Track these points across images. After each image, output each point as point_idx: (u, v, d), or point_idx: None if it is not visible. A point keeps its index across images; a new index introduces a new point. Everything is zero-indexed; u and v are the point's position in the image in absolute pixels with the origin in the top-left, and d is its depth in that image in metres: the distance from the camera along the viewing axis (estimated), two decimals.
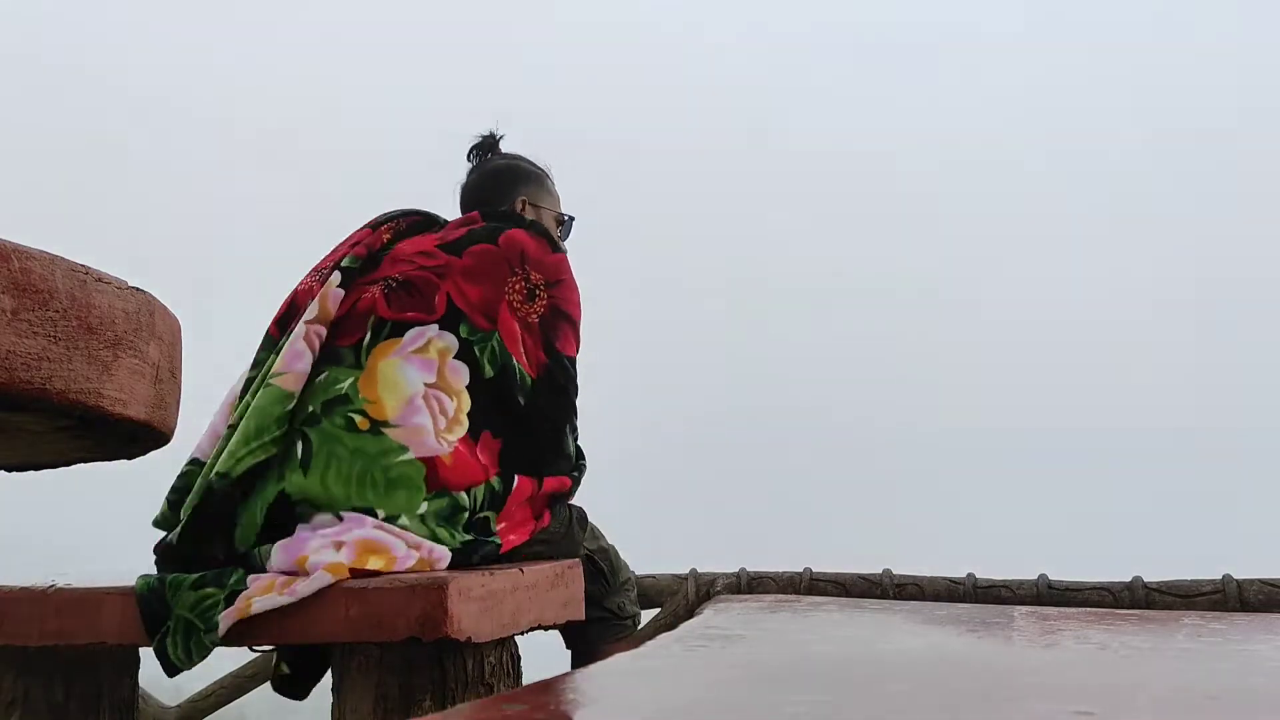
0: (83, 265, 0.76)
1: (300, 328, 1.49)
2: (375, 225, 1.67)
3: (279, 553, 1.33)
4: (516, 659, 1.44)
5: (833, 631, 1.37)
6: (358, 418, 1.44)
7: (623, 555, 1.87)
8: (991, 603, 2.14)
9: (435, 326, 1.52)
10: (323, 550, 1.31)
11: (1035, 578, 2.20)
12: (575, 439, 1.65)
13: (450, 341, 1.52)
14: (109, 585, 1.31)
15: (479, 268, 1.57)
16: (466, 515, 1.44)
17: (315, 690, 1.55)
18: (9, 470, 1.01)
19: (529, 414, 1.56)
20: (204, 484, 1.40)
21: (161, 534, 1.46)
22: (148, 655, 1.32)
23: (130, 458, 1.02)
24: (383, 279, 1.57)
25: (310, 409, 1.45)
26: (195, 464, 1.50)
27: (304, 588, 1.24)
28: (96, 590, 1.31)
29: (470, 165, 1.95)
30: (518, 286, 1.59)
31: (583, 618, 1.62)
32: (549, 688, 0.80)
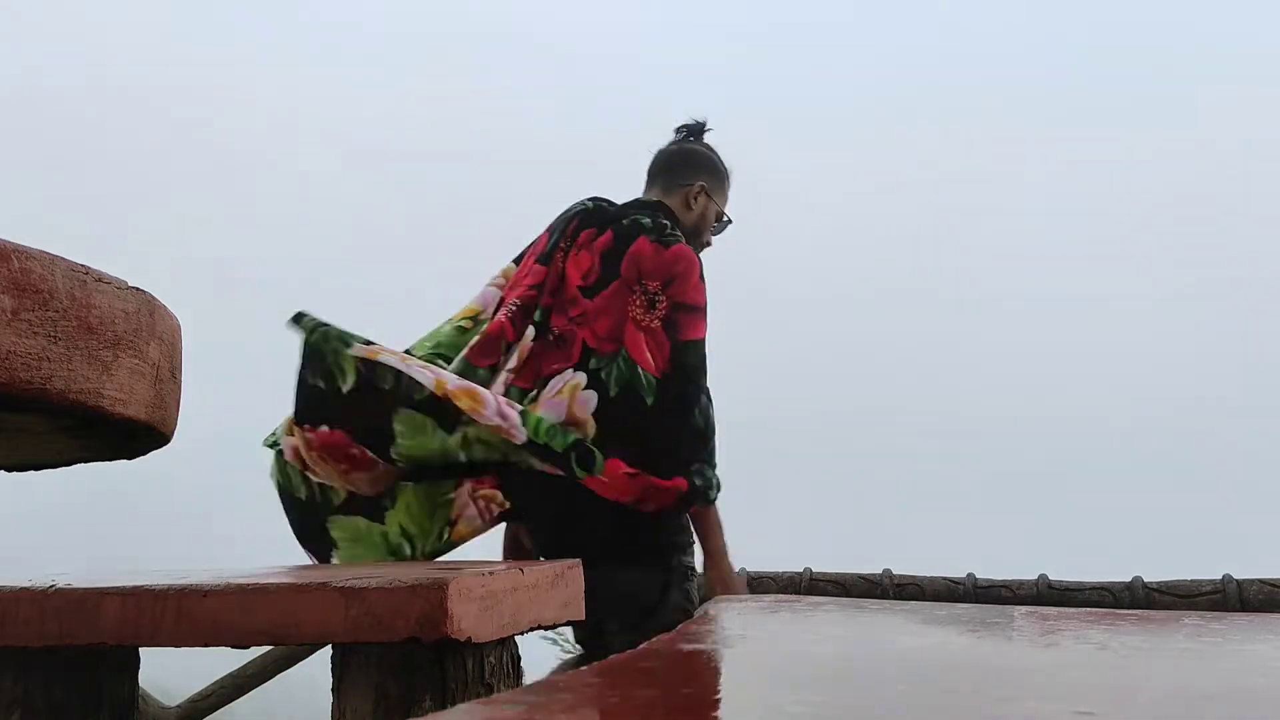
0: (83, 265, 0.76)
1: (502, 375, 1.88)
2: (549, 255, 1.94)
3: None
4: (516, 659, 1.44)
5: (833, 631, 1.37)
6: None
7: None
8: (991, 603, 2.14)
9: (571, 370, 1.83)
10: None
11: (1035, 578, 2.21)
12: (706, 416, 1.86)
13: (580, 378, 1.81)
14: (109, 585, 1.31)
15: (608, 307, 1.85)
16: (575, 438, 1.76)
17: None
18: (9, 470, 1.02)
19: (655, 413, 1.80)
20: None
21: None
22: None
23: (130, 458, 1.02)
24: (552, 330, 1.91)
25: None
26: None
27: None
28: (96, 590, 1.31)
29: (675, 138, 2.24)
30: (638, 302, 1.82)
31: (582, 617, 1.62)
32: (549, 688, 0.80)
